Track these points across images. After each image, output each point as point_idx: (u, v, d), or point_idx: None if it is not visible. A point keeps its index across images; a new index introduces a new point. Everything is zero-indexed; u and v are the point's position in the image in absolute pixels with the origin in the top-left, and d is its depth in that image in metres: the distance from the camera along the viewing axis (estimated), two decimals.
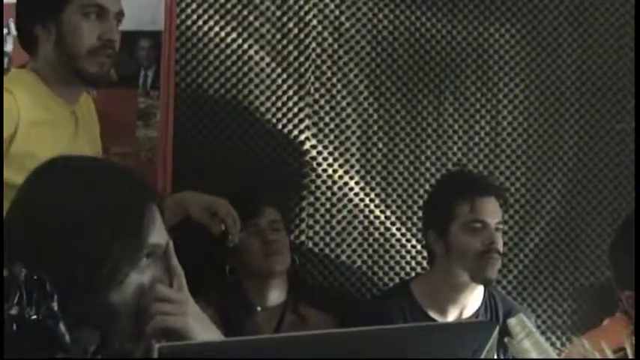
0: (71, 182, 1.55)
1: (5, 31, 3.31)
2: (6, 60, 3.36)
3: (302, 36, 3.30)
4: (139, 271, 1.52)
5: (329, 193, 3.31)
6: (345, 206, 3.32)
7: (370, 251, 3.34)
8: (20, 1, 2.56)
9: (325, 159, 3.30)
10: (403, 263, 3.35)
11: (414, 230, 3.34)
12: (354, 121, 3.33)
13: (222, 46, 3.25)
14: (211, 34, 3.24)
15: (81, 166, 1.61)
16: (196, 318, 1.56)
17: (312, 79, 3.31)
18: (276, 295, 3.02)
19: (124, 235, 1.49)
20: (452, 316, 2.99)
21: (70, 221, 1.48)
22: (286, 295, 3.05)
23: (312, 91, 3.30)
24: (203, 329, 1.55)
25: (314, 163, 3.30)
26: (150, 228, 1.53)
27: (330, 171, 3.30)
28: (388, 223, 3.34)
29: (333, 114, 3.32)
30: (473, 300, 3.01)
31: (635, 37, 3.44)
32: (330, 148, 3.31)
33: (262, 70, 3.27)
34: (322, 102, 3.31)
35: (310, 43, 3.31)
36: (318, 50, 3.31)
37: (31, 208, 1.54)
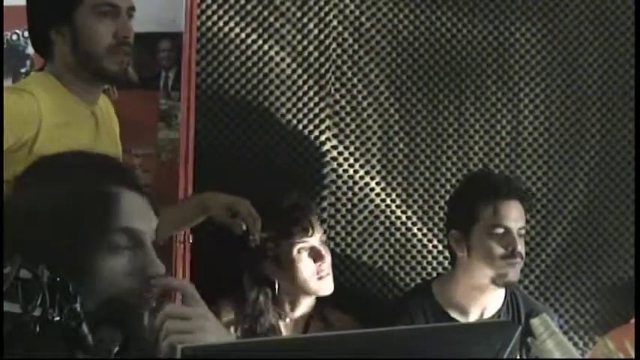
0: (42, 176, 1.56)
1: (26, 34, 3.33)
2: (28, 62, 3.38)
3: (322, 37, 3.30)
4: (116, 255, 1.48)
5: (350, 194, 3.31)
6: (366, 207, 3.32)
7: (391, 251, 3.34)
8: (30, 7, 2.56)
9: (346, 159, 3.30)
10: (424, 263, 3.35)
11: (436, 230, 3.34)
12: (374, 121, 3.33)
13: (243, 47, 3.25)
14: (232, 35, 3.24)
15: (54, 160, 1.61)
16: (214, 332, 1.49)
17: (333, 79, 3.31)
18: (307, 304, 3.00)
19: (88, 219, 1.46)
20: (473, 317, 2.98)
21: (40, 213, 1.47)
22: (314, 301, 3.02)
23: (332, 91, 3.30)
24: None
25: (335, 164, 3.30)
26: (123, 211, 1.49)
27: (351, 171, 3.30)
28: (409, 224, 3.33)
29: (353, 114, 3.32)
30: (494, 300, 3.00)
31: (635, 37, 3.41)
32: (351, 149, 3.31)
33: (283, 70, 3.28)
34: (343, 102, 3.31)
35: (331, 43, 3.31)
36: (339, 51, 3.31)
37: (10, 206, 1.53)
